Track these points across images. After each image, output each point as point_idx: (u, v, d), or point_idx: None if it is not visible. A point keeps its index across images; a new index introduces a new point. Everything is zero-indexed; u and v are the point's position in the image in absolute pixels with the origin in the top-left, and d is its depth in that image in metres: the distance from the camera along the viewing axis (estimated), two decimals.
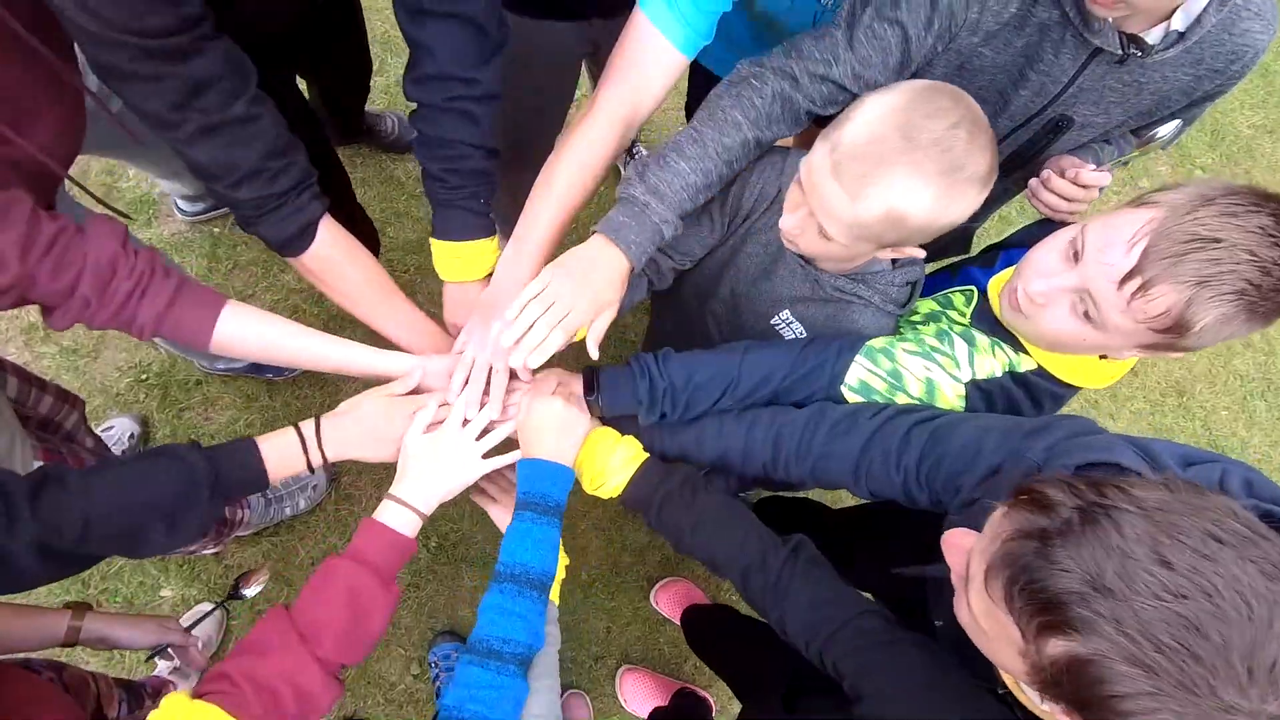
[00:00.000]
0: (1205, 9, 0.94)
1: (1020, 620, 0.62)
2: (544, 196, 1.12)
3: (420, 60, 1.06)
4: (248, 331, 1.05)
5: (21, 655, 1.12)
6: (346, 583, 0.94)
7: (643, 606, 2.11)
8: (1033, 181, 1.19)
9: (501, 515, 1.17)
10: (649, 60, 1.07)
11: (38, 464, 1.17)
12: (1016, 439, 0.89)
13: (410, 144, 2.18)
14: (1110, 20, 0.96)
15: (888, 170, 0.91)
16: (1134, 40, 0.97)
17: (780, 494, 2.01)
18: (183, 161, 0.98)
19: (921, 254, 1.11)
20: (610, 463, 1.10)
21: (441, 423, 1.11)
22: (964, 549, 0.73)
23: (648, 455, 1.12)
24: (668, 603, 2.09)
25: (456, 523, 2.07)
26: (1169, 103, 1.08)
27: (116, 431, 1.92)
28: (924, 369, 1.08)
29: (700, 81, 1.70)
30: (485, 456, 1.11)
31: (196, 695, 0.82)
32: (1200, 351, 2.64)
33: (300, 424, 1.05)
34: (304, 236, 1.08)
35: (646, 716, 1.84)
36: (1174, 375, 2.64)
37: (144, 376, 2.03)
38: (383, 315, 1.20)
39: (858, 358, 1.10)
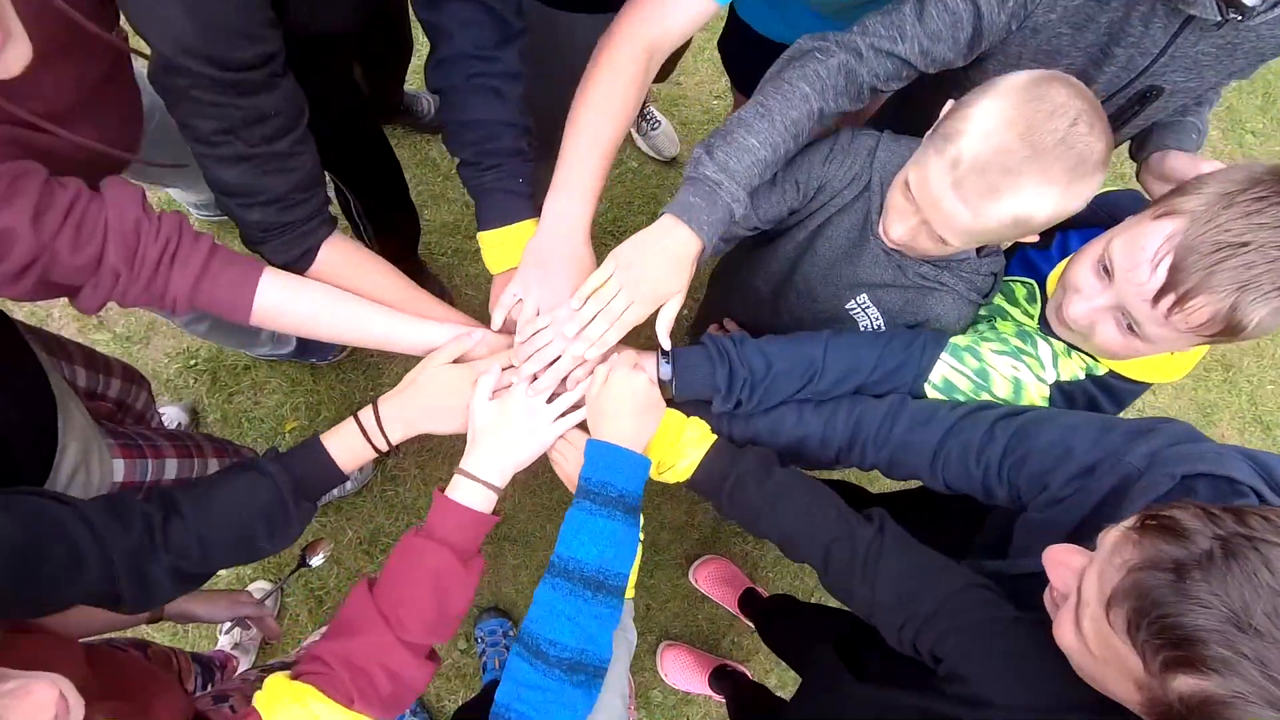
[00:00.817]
0: None
1: (1145, 652, 0.60)
2: (577, 134, 1.07)
3: (438, 44, 1.04)
4: (289, 299, 1.02)
5: (105, 636, 1.18)
6: (427, 564, 0.93)
7: (682, 584, 2.15)
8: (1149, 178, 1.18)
9: (566, 470, 1.09)
10: (669, 7, 1.03)
11: (117, 462, 1.20)
12: (1115, 440, 0.88)
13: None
14: None
15: (1016, 180, 0.88)
16: (1232, 3, 0.90)
17: (817, 476, 2.01)
18: (205, 174, 0.97)
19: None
20: (680, 445, 1.06)
21: (508, 388, 1.06)
22: (1073, 569, 0.70)
23: (717, 437, 1.08)
24: (706, 580, 2.12)
25: (499, 500, 2.11)
26: (1260, 61, 1.03)
27: (167, 419, 1.97)
28: (1011, 369, 1.06)
29: (734, 27, 1.64)
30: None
31: (294, 677, 0.86)
32: None
33: (358, 413, 1.03)
34: (303, 259, 1.06)
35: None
36: (1218, 350, 2.59)
37: (193, 362, 2.07)
38: (402, 315, 1.15)
39: (943, 355, 1.08)
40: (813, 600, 2.06)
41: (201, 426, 2.04)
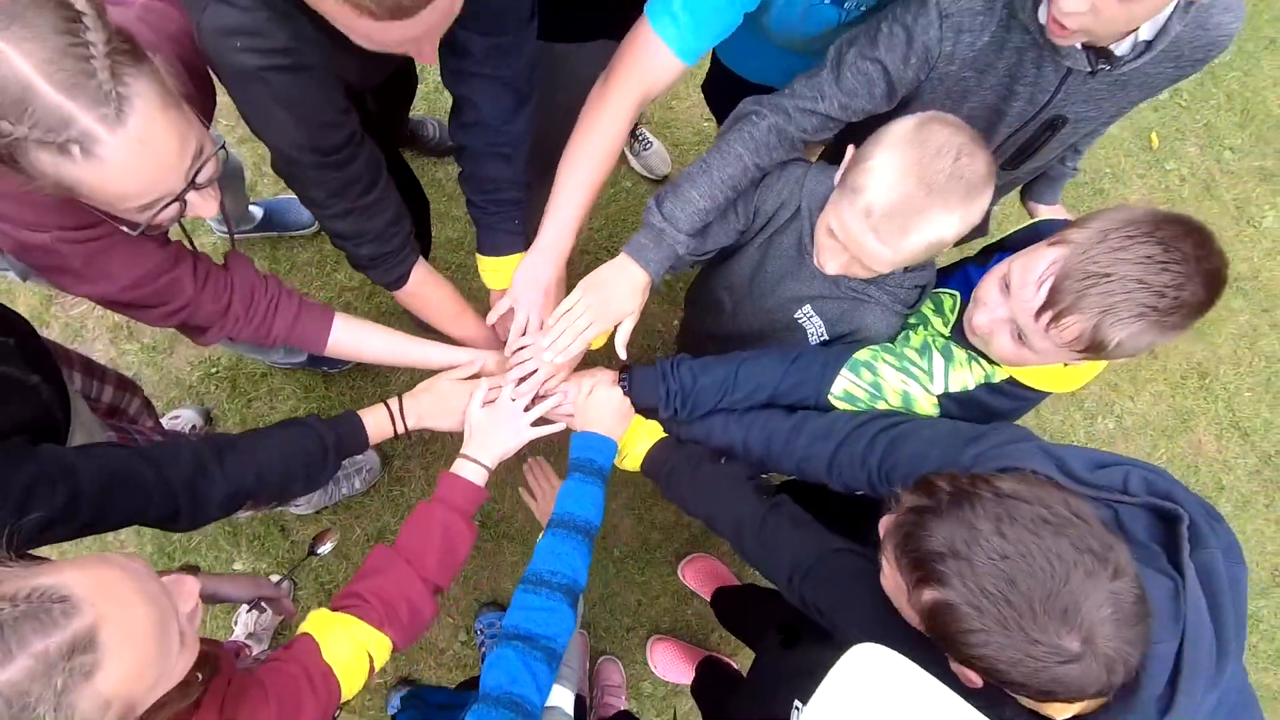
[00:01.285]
0: (1170, 17, 1.00)
1: (905, 576, 0.79)
2: (570, 174, 1.30)
3: (463, 109, 1.26)
4: (353, 338, 1.37)
5: None
6: (438, 520, 1.21)
7: (671, 580, 2.26)
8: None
9: (539, 510, 1.44)
10: (656, 65, 1.20)
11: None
12: (958, 446, 1.05)
13: (450, 148, 2.36)
14: (1077, 45, 1.04)
15: (923, 216, 1.05)
16: (1102, 54, 1.05)
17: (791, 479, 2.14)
18: (322, 225, 1.29)
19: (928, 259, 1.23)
20: (635, 439, 1.33)
21: (496, 399, 1.38)
22: (885, 524, 0.89)
23: (663, 435, 1.34)
24: (694, 577, 2.23)
25: (499, 503, 2.24)
26: (1155, 92, 1.17)
27: (182, 421, 2.12)
28: (901, 382, 1.21)
29: (715, 70, 1.84)
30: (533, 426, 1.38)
31: (334, 609, 1.08)
32: (1224, 333, 2.68)
33: (388, 400, 1.36)
34: (402, 279, 1.38)
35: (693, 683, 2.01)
36: (1196, 357, 2.67)
37: (214, 370, 2.22)
38: (453, 329, 1.51)
39: (844, 371, 1.24)
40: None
41: (220, 429, 2.19)
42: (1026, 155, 1.29)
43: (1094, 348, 0.96)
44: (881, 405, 1.23)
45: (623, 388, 1.36)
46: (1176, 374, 2.65)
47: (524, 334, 1.40)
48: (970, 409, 1.20)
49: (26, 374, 1.10)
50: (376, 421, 1.32)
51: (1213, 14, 1.05)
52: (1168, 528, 0.88)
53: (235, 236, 2.25)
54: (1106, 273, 0.92)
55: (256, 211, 2.24)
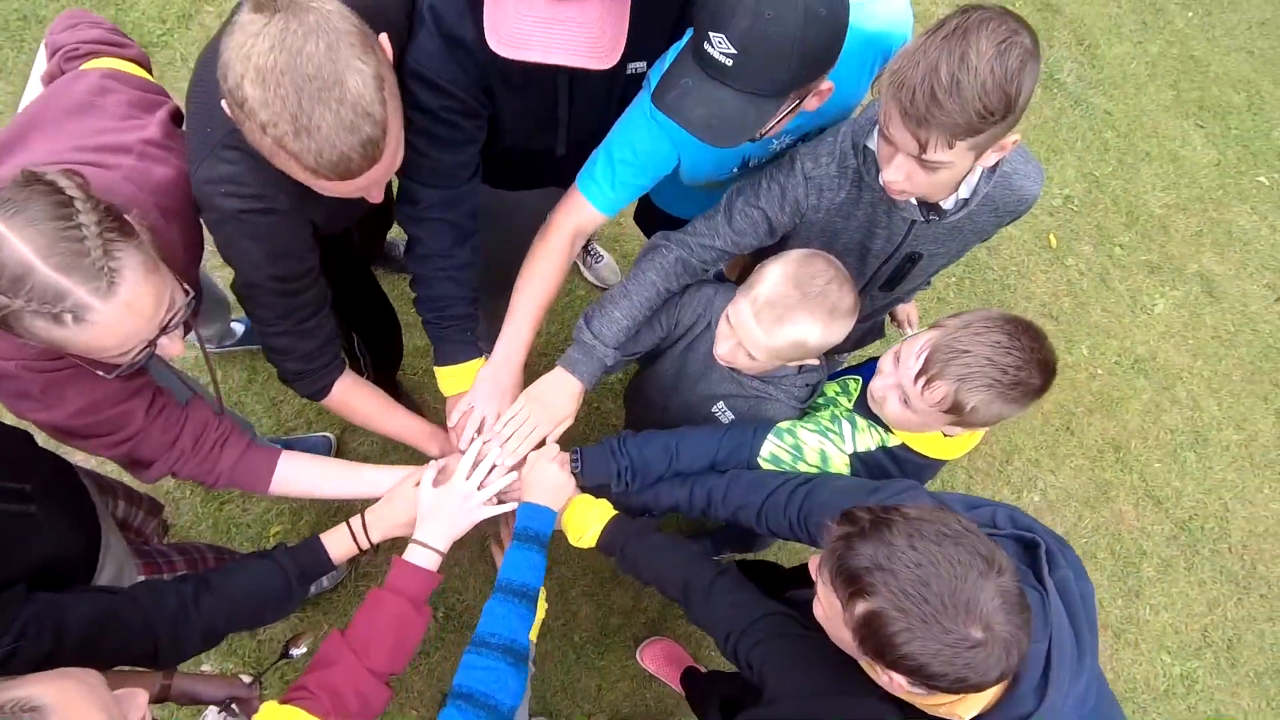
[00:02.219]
0: (979, 183, 1.29)
1: (839, 595, 0.94)
2: (520, 298, 1.53)
3: (415, 245, 1.49)
4: (299, 476, 1.47)
5: None
6: (389, 608, 1.26)
7: (630, 665, 2.34)
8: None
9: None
10: (584, 215, 1.49)
11: (141, 578, 1.51)
12: (860, 496, 1.25)
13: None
14: (911, 200, 1.30)
15: (792, 315, 1.32)
16: (933, 209, 1.32)
17: (745, 558, 2.30)
18: (260, 339, 1.42)
19: (816, 363, 1.51)
20: (588, 520, 1.47)
21: (447, 480, 1.46)
22: (814, 564, 1.05)
23: (615, 513, 1.48)
24: (653, 660, 2.31)
25: (462, 594, 2.33)
26: (987, 235, 1.45)
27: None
28: (819, 443, 1.44)
29: (641, 205, 2.14)
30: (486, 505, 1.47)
31: (283, 702, 1.13)
32: (1132, 410, 2.94)
33: (349, 520, 1.42)
34: (324, 391, 1.52)
35: None
36: (1110, 433, 2.91)
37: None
38: (386, 426, 1.65)
39: (770, 436, 1.47)
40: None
41: (194, 532, 2.28)
42: (897, 281, 1.56)
43: (955, 409, 1.21)
44: (802, 465, 1.44)
45: (573, 469, 1.51)
46: (1093, 448, 2.88)
47: (479, 431, 1.56)
48: (873, 470, 1.43)
49: (50, 516, 1.21)
50: (338, 542, 1.38)
51: (1015, 180, 1.33)
52: (1029, 553, 1.10)
53: (219, 350, 2.45)
54: (966, 349, 1.18)
55: (238, 328, 2.44)
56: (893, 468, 1.41)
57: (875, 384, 1.34)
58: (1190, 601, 2.72)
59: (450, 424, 1.60)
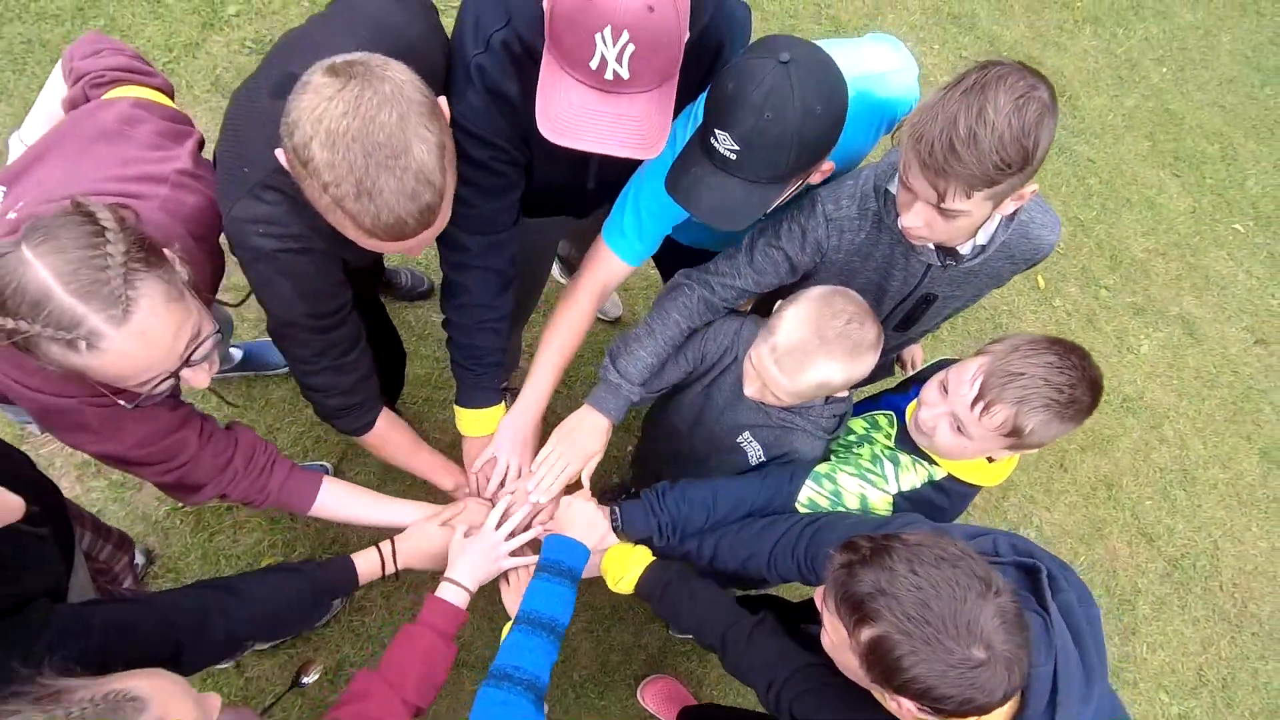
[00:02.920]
0: (996, 230, 1.32)
1: (845, 622, 0.95)
2: (546, 351, 1.59)
3: (458, 293, 1.50)
4: (338, 501, 1.51)
5: None
6: (422, 641, 1.30)
7: (631, 704, 2.28)
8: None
9: (509, 598, 1.52)
10: (611, 268, 1.54)
11: None
12: (865, 532, 1.23)
13: (420, 294, 2.60)
14: (929, 245, 1.33)
15: (812, 360, 1.31)
16: (950, 253, 1.35)
17: (749, 593, 2.27)
18: (298, 379, 1.43)
19: (845, 394, 1.51)
20: (627, 564, 1.48)
21: (479, 528, 1.53)
22: (819, 595, 1.06)
23: (654, 558, 1.49)
24: (654, 698, 2.26)
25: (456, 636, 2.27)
26: (1001, 282, 1.48)
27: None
28: (859, 487, 1.45)
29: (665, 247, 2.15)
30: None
31: None
32: (1122, 448, 2.98)
33: (379, 544, 1.49)
34: (366, 428, 1.54)
35: None
36: (1102, 471, 2.95)
37: (180, 505, 2.28)
38: (412, 464, 1.69)
39: (807, 482, 1.48)
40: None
41: (183, 563, 2.21)
42: (911, 322, 1.59)
43: (1015, 433, 1.22)
44: (842, 509, 1.43)
45: (613, 525, 1.54)
46: (1086, 485, 2.91)
47: (504, 480, 1.62)
48: (920, 507, 1.43)
49: (51, 537, 1.21)
50: (367, 563, 1.45)
51: (1032, 229, 1.36)
52: (1031, 578, 1.10)
53: (216, 376, 2.41)
54: (1021, 372, 1.19)
55: (236, 353, 2.40)
56: (941, 500, 1.41)
57: (924, 415, 1.33)
58: (1185, 640, 2.73)
59: (472, 469, 1.66)
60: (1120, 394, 3.12)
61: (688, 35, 1.13)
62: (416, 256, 1.26)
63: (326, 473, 2.33)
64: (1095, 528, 2.84)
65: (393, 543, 1.49)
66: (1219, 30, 4.29)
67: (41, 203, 1.11)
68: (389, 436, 1.59)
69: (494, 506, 1.57)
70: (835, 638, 1.01)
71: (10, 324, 0.91)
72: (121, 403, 1.10)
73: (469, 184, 1.35)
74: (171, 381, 1.09)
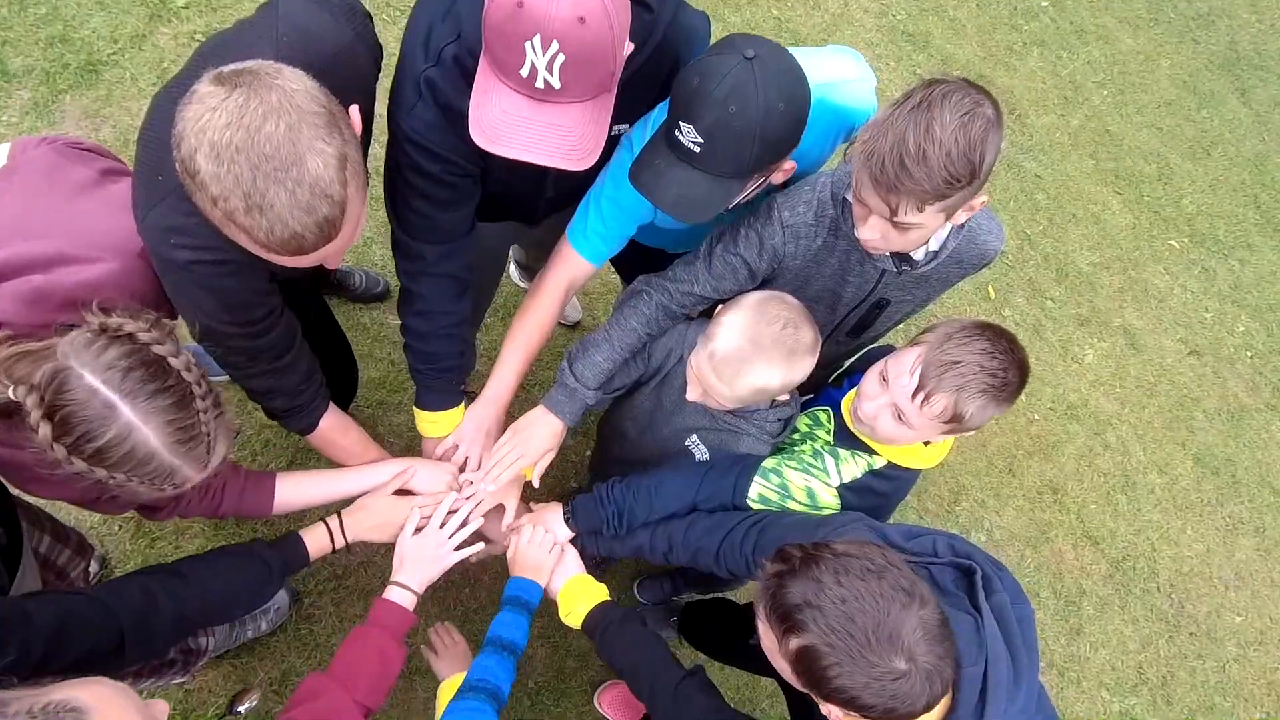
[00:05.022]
0: (947, 237, 1.36)
1: (775, 630, 0.97)
2: (512, 345, 1.59)
3: (415, 300, 1.50)
4: (296, 492, 1.49)
5: None
6: (373, 642, 1.32)
7: (587, 710, 2.26)
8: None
9: (438, 665, 1.57)
10: (574, 267, 1.54)
11: None
12: (808, 531, 1.28)
13: (375, 295, 2.56)
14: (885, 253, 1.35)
15: (750, 366, 1.34)
16: (904, 259, 1.38)
17: (703, 597, 2.28)
18: (237, 383, 1.39)
19: (788, 398, 1.53)
20: (578, 599, 1.50)
21: (424, 526, 1.55)
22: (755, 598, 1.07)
23: (603, 599, 1.50)
24: (611, 705, 2.24)
25: (411, 638, 2.21)
26: (950, 285, 1.52)
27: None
28: (804, 481, 1.46)
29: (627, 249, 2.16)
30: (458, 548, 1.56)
31: None
32: (1067, 453, 3.07)
33: (326, 519, 1.48)
34: (311, 426, 1.52)
35: None
36: (1047, 476, 3.04)
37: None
38: (366, 459, 1.64)
39: (756, 479, 1.48)
40: None
41: (120, 570, 2.12)
42: (864, 328, 1.62)
43: (955, 419, 1.25)
44: (791, 504, 1.45)
45: (566, 519, 1.59)
46: (1033, 490, 3.00)
47: (463, 470, 1.64)
48: (864, 495, 1.45)
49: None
50: (316, 540, 1.44)
51: (979, 235, 1.40)
52: (967, 579, 1.12)
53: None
54: (957, 360, 1.22)
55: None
56: (883, 486, 1.44)
57: (865, 407, 1.35)
58: (1125, 639, 2.82)
59: (436, 454, 1.66)
60: (1065, 402, 3.22)
61: (630, 49, 1.13)
62: (335, 267, 1.22)
63: None
64: (1042, 531, 2.92)
65: (340, 517, 1.49)
66: (1159, 55, 4.50)
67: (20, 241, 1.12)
68: (336, 438, 1.58)
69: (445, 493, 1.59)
70: (768, 642, 1.03)
71: (104, 475, 0.96)
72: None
73: (423, 196, 1.35)
74: None
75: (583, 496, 1.60)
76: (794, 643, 0.94)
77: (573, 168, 1.16)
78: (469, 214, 1.46)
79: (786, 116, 1.18)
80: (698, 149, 1.19)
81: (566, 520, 1.59)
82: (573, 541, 1.61)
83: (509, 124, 1.12)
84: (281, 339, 1.34)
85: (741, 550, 1.36)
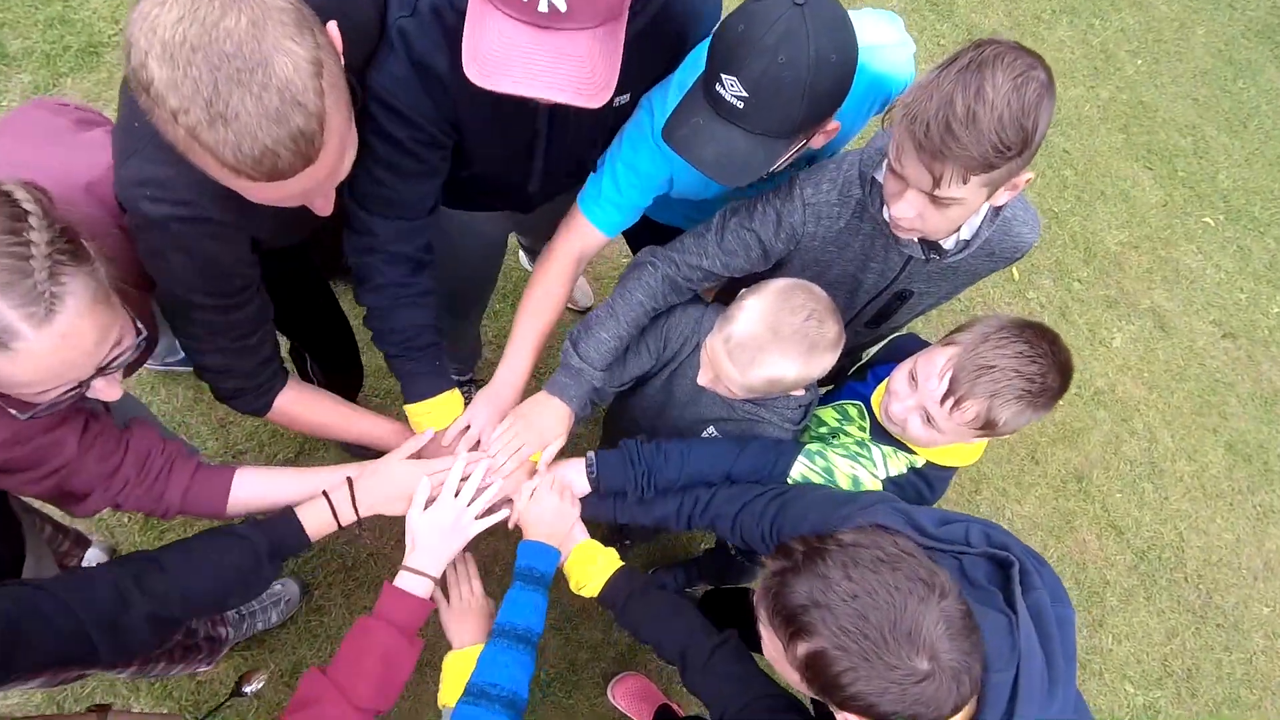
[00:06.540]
0: (981, 225, 1.27)
1: (780, 635, 0.88)
2: (524, 321, 1.48)
3: (369, 275, 1.35)
4: (254, 490, 1.29)
5: None
6: (378, 639, 1.16)
7: (600, 702, 2.24)
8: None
9: (452, 625, 1.34)
10: (587, 237, 1.44)
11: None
12: (830, 509, 1.20)
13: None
14: (914, 237, 1.27)
15: (765, 356, 1.25)
16: (933, 247, 1.29)
17: (721, 587, 2.23)
18: (190, 358, 1.26)
19: (802, 391, 1.42)
20: (591, 571, 1.39)
21: (436, 498, 1.35)
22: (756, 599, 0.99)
23: (620, 565, 1.40)
24: (624, 697, 2.22)
25: (422, 628, 2.20)
26: (977, 279, 1.43)
27: (85, 561, 2.04)
28: (850, 468, 1.39)
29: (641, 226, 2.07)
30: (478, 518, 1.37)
31: None
32: (1093, 440, 2.98)
33: (328, 491, 1.28)
34: (265, 407, 1.37)
35: None
36: (1072, 464, 2.95)
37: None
38: (350, 433, 1.49)
39: (800, 458, 1.41)
40: None
41: None
42: (883, 319, 1.54)
43: (988, 426, 1.18)
44: (833, 488, 1.38)
45: (589, 474, 1.46)
46: (1057, 478, 2.92)
47: (473, 449, 1.47)
48: (906, 490, 1.39)
49: None
50: (315, 516, 1.26)
51: (1014, 225, 1.31)
52: (1003, 573, 1.04)
53: (161, 368, 2.30)
54: (991, 365, 1.15)
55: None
56: (923, 486, 1.39)
57: (893, 408, 1.29)
58: (1150, 631, 2.75)
59: (443, 441, 1.48)
60: (1092, 387, 3.12)
61: None
62: (325, 214, 1.09)
63: None
64: (1065, 520, 2.85)
65: (350, 487, 1.29)
66: (1194, 23, 4.30)
67: None
68: (298, 412, 1.40)
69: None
70: (773, 649, 0.94)
71: None
72: (13, 412, 0.96)
73: (383, 162, 1.23)
74: (78, 392, 0.96)
75: (608, 451, 1.47)
76: (802, 648, 0.86)
77: (585, 104, 1.01)
78: (432, 191, 1.33)
79: (837, 71, 1.08)
80: (741, 104, 1.08)
81: (589, 477, 1.46)
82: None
83: (510, 55, 0.97)
84: (250, 319, 1.23)
85: (759, 523, 1.29)
